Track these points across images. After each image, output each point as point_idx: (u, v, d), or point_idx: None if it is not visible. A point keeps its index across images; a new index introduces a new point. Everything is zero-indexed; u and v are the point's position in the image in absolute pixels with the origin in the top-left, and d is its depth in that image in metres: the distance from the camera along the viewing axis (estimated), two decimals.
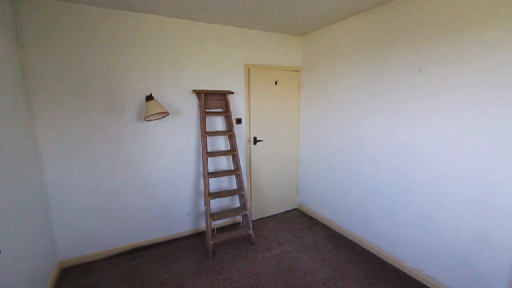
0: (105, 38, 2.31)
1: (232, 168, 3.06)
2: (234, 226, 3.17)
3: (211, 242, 2.56)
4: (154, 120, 2.55)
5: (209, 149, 2.92)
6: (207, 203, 2.64)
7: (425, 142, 2.09)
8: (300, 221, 3.38)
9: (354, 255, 2.60)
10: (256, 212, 3.37)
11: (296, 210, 3.71)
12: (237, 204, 3.19)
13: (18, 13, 2.00)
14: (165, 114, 2.52)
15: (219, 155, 2.85)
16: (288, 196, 3.65)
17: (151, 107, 2.36)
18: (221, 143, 3.05)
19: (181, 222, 2.93)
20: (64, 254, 2.40)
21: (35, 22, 2.07)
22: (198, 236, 2.98)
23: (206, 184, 2.67)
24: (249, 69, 3.05)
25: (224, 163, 3.09)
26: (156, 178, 2.72)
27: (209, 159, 2.89)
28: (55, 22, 2.13)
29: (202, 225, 3.06)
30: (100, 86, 2.35)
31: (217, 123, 2.99)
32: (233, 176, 3.11)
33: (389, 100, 2.34)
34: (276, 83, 3.25)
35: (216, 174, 2.84)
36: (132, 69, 2.46)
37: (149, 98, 2.44)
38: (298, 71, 3.42)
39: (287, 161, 3.55)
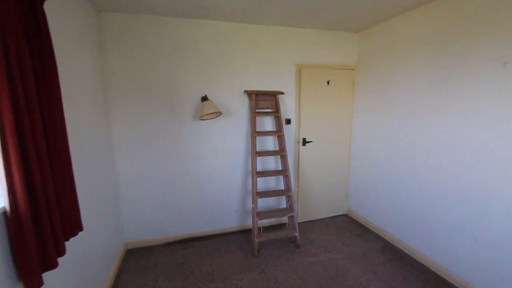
0: (167, 44, 2.54)
1: (280, 168, 3.06)
2: (280, 226, 3.16)
3: (257, 240, 2.61)
4: (208, 119, 2.70)
5: (258, 149, 2.98)
6: (254, 202, 2.69)
7: (510, 149, 1.76)
8: (349, 227, 3.19)
9: (412, 272, 2.35)
10: (303, 214, 3.31)
11: (345, 216, 3.52)
12: (283, 204, 3.18)
13: (101, 26, 2.34)
14: (218, 114, 2.65)
15: (268, 155, 2.88)
16: (337, 201, 3.49)
17: (206, 107, 2.51)
18: (270, 143, 3.07)
19: (229, 218, 3.05)
20: (129, 237, 2.72)
21: (113, 33, 2.39)
22: (244, 233, 3.06)
23: (254, 183, 2.72)
24: (300, 69, 3.00)
25: (272, 163, 3.10)
26: (208, 174, 2.88)
27: (257, 158, 2.94)
28: (128, 32, 2.42)
29: (248, 223, 3.14)
30: (163, 89, 2.60)
31: (267, 123, 3.03)
32: (281, 177, 3.10)
33: (463, 98, 2.04)
34: (328, 82, 3.13)
35: (264, 173, 2.88)
36: (189, 72, 2.65)
37: (204, 98, 2.60)
38: (352, 69, 3.23)
39: (338, 164, 3.39)
